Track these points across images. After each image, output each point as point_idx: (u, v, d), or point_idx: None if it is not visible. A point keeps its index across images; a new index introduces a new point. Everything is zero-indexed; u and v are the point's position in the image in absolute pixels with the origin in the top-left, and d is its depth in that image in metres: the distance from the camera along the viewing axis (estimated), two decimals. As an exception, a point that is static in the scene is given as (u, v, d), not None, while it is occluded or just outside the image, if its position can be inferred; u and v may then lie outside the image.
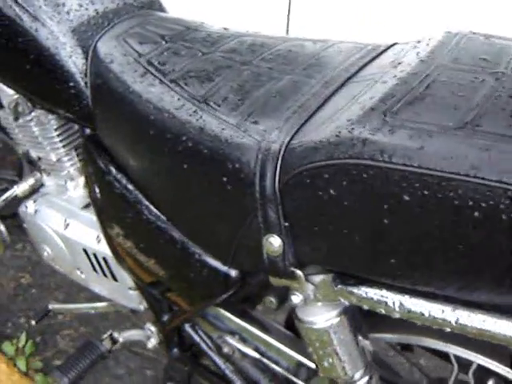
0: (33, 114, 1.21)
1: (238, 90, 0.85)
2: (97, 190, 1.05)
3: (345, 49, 0.92)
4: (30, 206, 1.36)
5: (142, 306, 1.29)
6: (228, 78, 0.88)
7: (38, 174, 1.46)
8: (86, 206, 1.30)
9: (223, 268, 0.89)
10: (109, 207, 1.05)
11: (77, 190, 1.34)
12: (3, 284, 1.98)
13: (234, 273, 0.88)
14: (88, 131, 1.10)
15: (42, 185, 1.43)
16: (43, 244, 1.36)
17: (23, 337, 1.80)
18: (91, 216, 1.27)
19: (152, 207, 0.95)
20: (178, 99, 0.86)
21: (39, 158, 1.36)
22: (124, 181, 0.98)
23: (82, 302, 1.68)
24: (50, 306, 1.43)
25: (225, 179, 0.78)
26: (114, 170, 1.00)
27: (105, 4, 1.05)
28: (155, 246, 0.96)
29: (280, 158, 0.73)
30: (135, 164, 0.94)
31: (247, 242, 0.80)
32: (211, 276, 0.90)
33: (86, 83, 1.00)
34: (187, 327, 1.15)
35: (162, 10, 1.13)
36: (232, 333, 1.09)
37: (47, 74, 1.01)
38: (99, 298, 1.36)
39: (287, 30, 2.10)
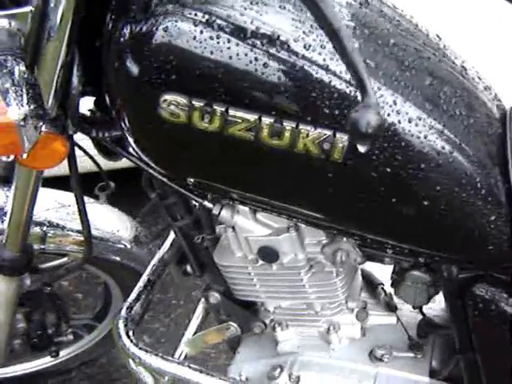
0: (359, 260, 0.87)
1: None
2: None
3: None
4: (280, 377, 0.99)
5: None
6: None
7: (234, 327, 1.10)
8: (376, 359, 0.98)
9: None
10: None
11: (342, 341, 1.02)
12: None
13: None
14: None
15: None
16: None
17: None
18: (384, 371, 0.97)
19: None
20: None
21: (275, 308, 1.01)
22: None
23: None
24: None
25: None
26: None
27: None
28: None
29: None
30: None
31: None
32: None
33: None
34: None
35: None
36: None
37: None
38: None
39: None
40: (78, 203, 0.95)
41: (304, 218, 0.81)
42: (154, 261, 1.05)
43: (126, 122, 0.78)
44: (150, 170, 0.86)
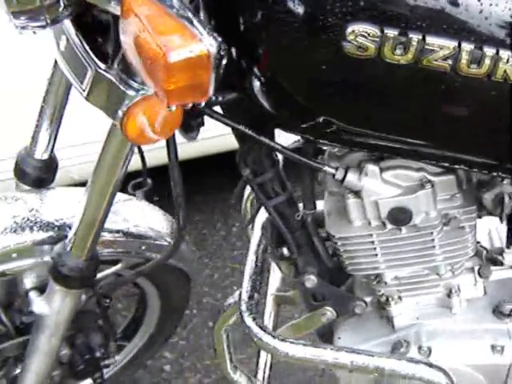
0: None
1: None
2: None
3: None
4: (408, 352, 0.91)
5: None
6: None
7: (330, 311, 1.00)
8: (503, 315, 0.93)
9: None
10: None
11: (462, 303, 0.95)
12: None
13: None
14: None
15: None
16: None
17: None
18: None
19: None
20: None
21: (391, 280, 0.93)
22: None
23: None
24: None
25: None
26: None
27: None
28: None
29: None
30: None
31: None
32: None
33: None
34: None
35: None
36: None
37: None
38: None
39: None
40: (176, 187, 0.81)
41: (468, 161, 0.74)
42: (252, 248, 0.93)
43: (273, 67, 0.67)
44: (253, 133, 0.77)
